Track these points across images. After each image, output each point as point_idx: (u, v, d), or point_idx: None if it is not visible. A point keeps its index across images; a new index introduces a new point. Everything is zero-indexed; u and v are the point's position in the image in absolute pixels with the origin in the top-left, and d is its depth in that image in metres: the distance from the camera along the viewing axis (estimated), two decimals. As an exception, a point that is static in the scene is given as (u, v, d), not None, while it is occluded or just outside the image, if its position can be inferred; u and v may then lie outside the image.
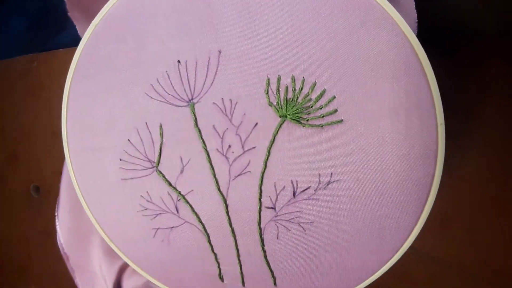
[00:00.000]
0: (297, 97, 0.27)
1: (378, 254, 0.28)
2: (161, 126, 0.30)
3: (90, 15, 0.30)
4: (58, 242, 0.40)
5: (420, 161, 0.26)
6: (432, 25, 0.30)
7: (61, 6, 0.35)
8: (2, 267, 0.55)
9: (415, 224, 0.27)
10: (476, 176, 0.37)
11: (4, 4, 0.51)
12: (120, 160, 0.31)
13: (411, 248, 0.28)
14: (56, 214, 0.41)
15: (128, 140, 0.31)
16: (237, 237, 0.30)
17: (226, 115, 0.28)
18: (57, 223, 0.40)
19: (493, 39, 0.35)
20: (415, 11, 0.29)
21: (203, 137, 0.29)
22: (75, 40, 0.30)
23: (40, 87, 0.50)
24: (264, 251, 0.30)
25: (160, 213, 0.32)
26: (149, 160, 0.31)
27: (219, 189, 0.30)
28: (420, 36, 0.25)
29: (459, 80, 0.36)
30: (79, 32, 0.36)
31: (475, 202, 0.37)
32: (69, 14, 0.36)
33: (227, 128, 0.28)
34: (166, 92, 0.29)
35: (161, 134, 0.30)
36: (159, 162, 0.30)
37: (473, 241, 0.38)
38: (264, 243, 0.30)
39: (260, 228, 0.30)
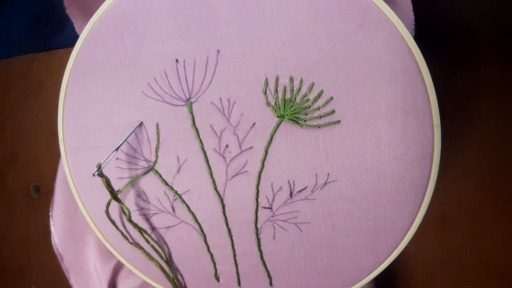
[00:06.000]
0: (295, 98, 0.27)
1: (373, 254, 0.28)
2: (157, 125, 0.30)
3: (88, 13, 0.30)
4: (53, 242, 0.39)
5: (416, 162, 0.26)
6: (429, 27, 0.30)
7: (61, 6, 0.35)
8: (2, 267, 0.55)
9: (411, 225, 0.27)
10: (475, 176, 0.37)
11: (4, 4, 0.51)
12: (117, 159, 0.31)
13: (411, 248, 0.28)
14: (50, 214, 0.40)
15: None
16: (233, 237, 0.30)
17: (224, 115, 0.28)
18: (51, 223, 0.40)
19: (491, 41, 0.36)
20: (413, 13, 0.29)
21: (200, 137, 0.29)
22: (75, 40, 0.30)
23: (40, 87, 0.50)
24: (261, 251, 0.30)
25: (156, 213, 0.32)
26: (146, 160, 0.31)
27: (216, 188, 0.30)
28: (417, 37, 0.25)
29: (456, 82, 0.36)
30: (76, 30, 0.36)
31: (475, 202, 0.37)
32: (67, 11, 0.36)
33: (224, 128, 0.28)
34: (164, 91, 0.29)
35: (158, 134, 0.30)
36: (155, 161, 0.30)
37: (473, 241, 0.38)
38: (261, 243, 0.30)
39: (256, 228, 0.30)
